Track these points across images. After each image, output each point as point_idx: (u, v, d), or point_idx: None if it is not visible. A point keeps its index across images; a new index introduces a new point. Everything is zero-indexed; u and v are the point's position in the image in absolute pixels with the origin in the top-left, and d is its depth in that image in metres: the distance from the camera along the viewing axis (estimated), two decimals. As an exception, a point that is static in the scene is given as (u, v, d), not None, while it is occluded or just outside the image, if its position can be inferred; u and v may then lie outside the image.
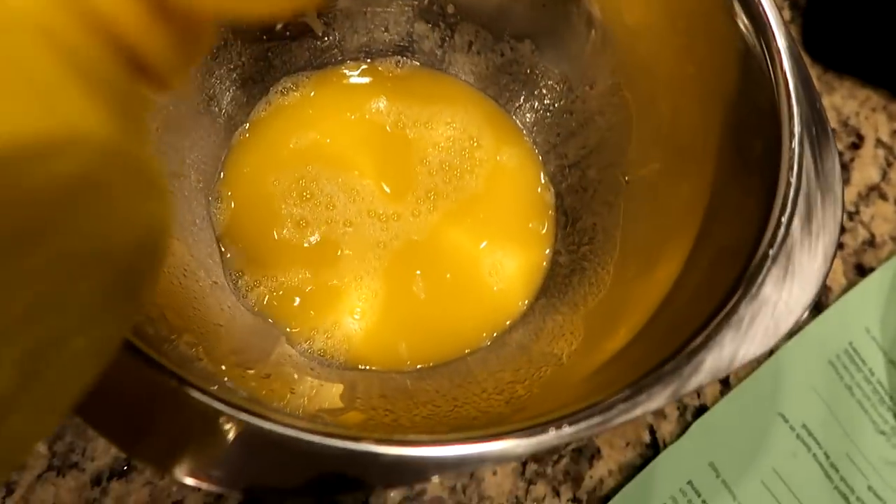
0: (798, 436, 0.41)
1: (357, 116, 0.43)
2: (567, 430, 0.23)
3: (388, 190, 0.41)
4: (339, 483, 0.21)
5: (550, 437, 0.23)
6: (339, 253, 0.39)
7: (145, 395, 0.22)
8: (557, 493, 0.38)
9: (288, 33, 0.42)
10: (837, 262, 0.46)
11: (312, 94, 0.43)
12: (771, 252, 0.26)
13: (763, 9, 0.30)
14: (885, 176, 0.49)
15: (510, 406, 0.32)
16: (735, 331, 0.25)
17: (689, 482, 0.39)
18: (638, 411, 0.23)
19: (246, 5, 0.17)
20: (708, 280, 0.28)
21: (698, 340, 0.25)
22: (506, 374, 0.35)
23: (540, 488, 0.38)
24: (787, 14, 0.52)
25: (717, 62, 0.32)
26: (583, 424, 0.23)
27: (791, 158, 0.28)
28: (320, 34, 0.43)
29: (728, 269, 0.27)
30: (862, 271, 0.46)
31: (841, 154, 0.48)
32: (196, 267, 0.36)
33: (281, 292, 0.38)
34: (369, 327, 0.38)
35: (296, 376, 0.34)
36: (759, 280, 0.26)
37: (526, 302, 0.40)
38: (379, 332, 0.38)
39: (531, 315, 0.39)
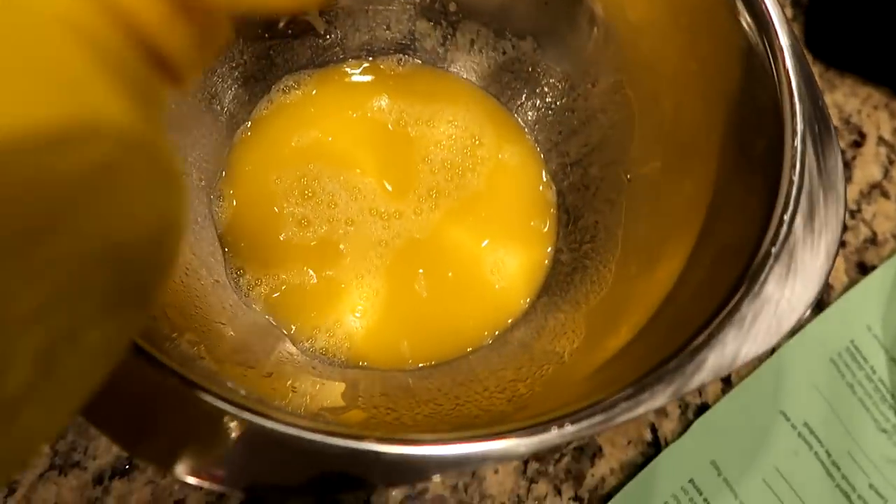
0: (800, 434, 0.41)
1: (359, 115, 0.43)
2: (569, 428, 0.23)
3: (389, 188, 0.41)
4: (341, 482, 0.21)
5: (553, 435, 0.23)
6: (340, 251, 0.39)
7: (147, 393, 0.22)
8: (559, 492, 0.38)
9: (290, 31, 0.42)
10: (839, 260, 0.46)
11: (314, 92, 0.43)
12: (773, 250, 0.26)
13: (765, 6, 0.30)
14: (886, 174, 0.49)
15: (512, 404, 0.31)
16: (737, 329, 0.25)
17: (691, 480, 0.39)
18: (640, 410, 0.23)
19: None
20: (710, 278, 0.28)
21: (700, 339, 0.25)
22: (507, 372, 0.35)
23: (541, 487, 0.38)
24: (789, 12, 0.52)
25: (720, 60, 0.32)
26: (585, 423, 0.23)
27: (793, 156, 0.28)
28: (322, 32, 0.43)
29: (730, 268, 0.27)
30: (864, 269, 0.46)
31: (843, 152, 0.48)
32: (198, 265, 0.36)
33: (282, 291, 0.38)
34: (371, 326, 0.38)
35: (297, 375, 0.34)
36: (762, 278, 0.26)
37: (528, 300, 0.40)
38: (381, 330, 0.38)
39: (533, 313, 0.39)
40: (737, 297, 0.26)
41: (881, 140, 0.49)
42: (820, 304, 0.44)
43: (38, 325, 0.13)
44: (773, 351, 0.42)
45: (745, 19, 0.31)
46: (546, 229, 0.42)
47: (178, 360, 0.23)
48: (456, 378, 0.36)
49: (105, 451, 0.36)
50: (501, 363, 0.36)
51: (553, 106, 0.43)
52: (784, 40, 0.30)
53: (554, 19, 0.40)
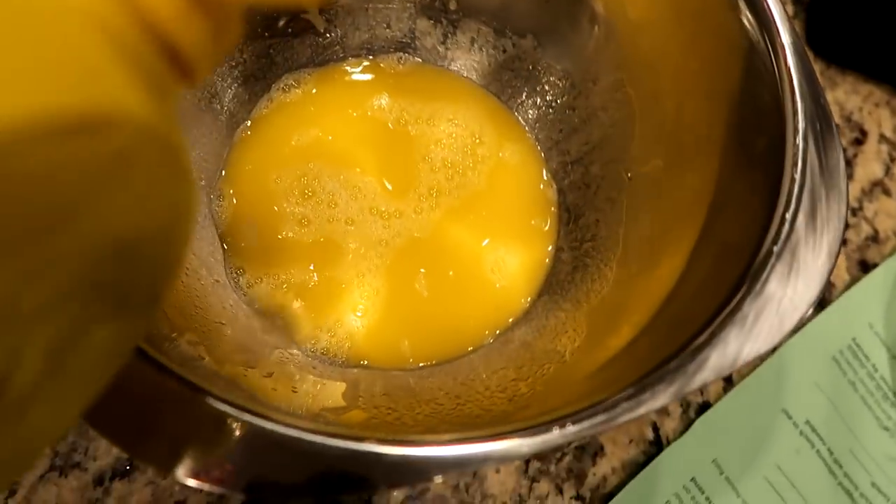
0: (801, 432, 0.41)
1: (359, 113, 0.43)
2: (571, 428, 0.23)
3: (389, 187, 0.41)
4: (342, 483, 0.21)
5: (554, 436, 0.22)
6: (341, 251, 0.39)
7: (147, 395, 0.22)
8: (561, 491, 0.38)
9: (290, 30, 0.42)
10: (840, 257, 0.46)
11: (314, 91, 0.43)
12: (775, 249, 0.26)
13: (767, 4, 0.30)
14: (888, 171, 0.49)
15: (513, 404, 0.31)
16: (739, 328, 0.25)
17: (693, 479, 0.39)
18: (642, 410, 0.23)
19: None
20: (712, 277, 0.28)
21: (702, 338, 0.25)
22: (509, 371, 0.35)
23: (543, 486, 0.38)
24: (790, 9, 0.52)
25: (721, 58, 0.32)
26: (586, 423, 0.23)
27: (795, 154, 0.28)
28: (322, 31, 0.43)
29: (732, 266, 0.27)
30: (865, 267, 0.46)
31: (844, 150, 0.48)
32: (198, 265, 0.35)
33: (283, 290, 0.38)
34: (371, 325, 0.38)
35: (298, 375, 0.34)
36: (764, 277, 0.26)
37: (528, 299, 0.40)
38: (381, 329, 0.38)
39: (534, 312, 0.39)
40: (739, 296, 0.26)
41: (882, 137, 0.49)
42: (821, 303, 0.44)
43: (48, 322, 0.13)
44: (774, 349, 0.42)
45: (747, 17, 0.31)
46: (547, 228, 0.41)
47: (177, 361, 0.23)
48: (457, 377, 0.36)
49: (105, 452, 0.36)
50: (502, 362, 0.36)
51: (554, 104, 0.43)
52: (785, 38, 0.30)
53: (554, 17, 0.40)
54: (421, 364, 0.38)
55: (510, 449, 0.22)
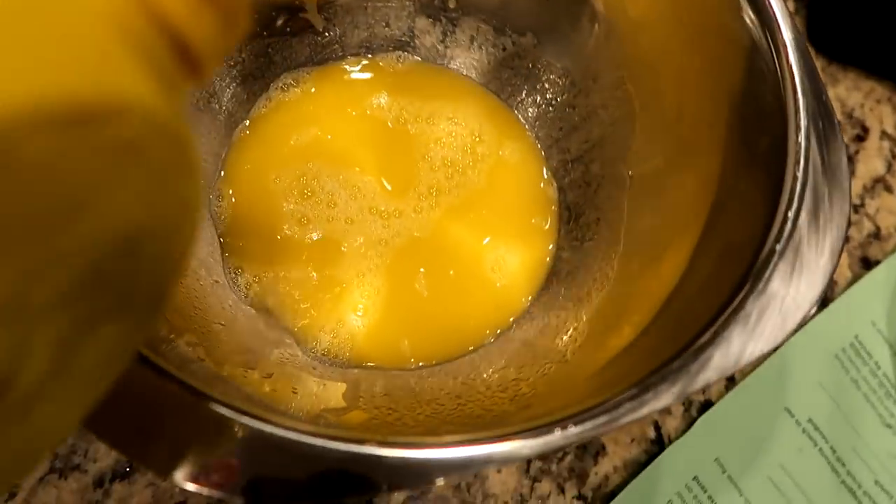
0: (804, 430, 0.40)
1: (358, 112, 0.42)
2: (573, 430, 0.22)
3: (389, 186, 0.40)
4: (343, 486, 0.21)
5: (556, 437, 0.22)
6: (341, 250, 0.39)
7: (146, 398, 0.22)
8: (562, 490, 0.38)
9: (288, 29, 0.41)
10: (842, 255, 0.45)
11: (313, 90, 0.43)
12: (778, 247, 0.26)
13: (768, 1, 0.30)
14: (890, 168, 0.48)
15: (515, 404, 0.31)
16: (742, 327, 0.25)
17: (695, 478, 0.39)
18: (645, 410, 0.23)
19: None
20: (714, 276, 0.28)
21: (705, 337, 0.25)
22: (510, 371, 0.35)
23: (545, 485, 0.38)
24: (791, 5, 0.52)
25: (722, 55, 0.32)
26: (589, 424, 0.23)
27: (797, 153, 0.28)
28: (321, 29, 0.42)
29: (735, 265, 0.27)
30: (867, 264, 0.45)
31: (846, 146, 0.48)
32: (197, 265, 0.35)
33: (282, 290, 0.38)
34: (372, 325, 0.38)
35: (298, 375, 0.34)
36: (767, 275, 0.26)
37: (529, 298, 0.39)
38: (382, 329, 0.38)
39: (535, 311, 0.39)
40: (742, 295, 0.25)
41: (884, 134, 0.49)
42: (823, 300, 0.44)
43: (54, 320, 0.13)
44: (776, 348, 0.42)
45: (748, 14, 0.30)
46: (547, 227, 0.41)
47: (176, 363, 0.23)
48: (458, 377, 0.36)
49: (105, 453, 0.36)
50: (503, 362, 0.36)
51: (554, 102, 0.42)
52: (787, 35, 0.30)
53: (554, 15, 0.40)
54: (421, 364, 0.37)
55: (512, 450, 0.22)
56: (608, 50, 0.38)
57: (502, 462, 0.22)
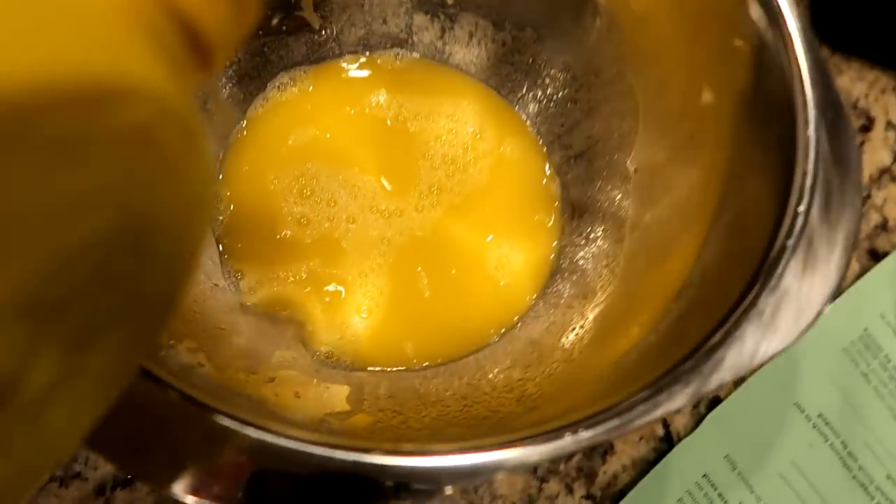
0: (814, 426, 0.40)
1: (357, 111, 0.42)
2: (584, 434, 0.22)
3: (389, 186, 0.40)
4: (348, 496, 0.21)
5: (567, 442, 0.22)
6: (342, 250, 0.38)
7: (144, 409, 0.21)
8: (571, 490, 0.38)
9: (284, 27, 0.41)
10: (851, 247, 0.45)
11: (310, 88, 0.42)
12: (789, 243, 0.25)
13: (773, -10, 0.29)
14: (896, 158, 0.48)
15: (521, 405, 0.31)
16: (756, 325, 0.24)
17: (705, 475, 0.38)
18: (658, 413, 0.23)
19: None
20: (724, 273, 0.28)
21: (718, 336, 0.24)
22: (515, 371, 0.34)
23: (553, 486, 0.38)
24: (792, -5, 0.51)
25: (727, 47, 0.31)
26: (600, 428, 0.22)
27: (807, 146, 0.27)
28: (317, 27, 0.42)
29: (745, 262, 0.26)
30: (875, 256, 0.45)
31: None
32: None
33: (284, 292, 0.37)
34: (375, 325, 0.37)
35: (300, 379, 0.34)
36: (779, 271, 0.25)
37: (534, 296, 0.39)
38: (385, 330, 0.37)
39: (539, 310, 0.38)
40: (754, 292, 0.25)
41: (889, 124, 0.48)
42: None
43: (64, 321, 0.13)
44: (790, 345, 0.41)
45: (753, 4, 0.30)
46: (551, 224, 0.41)
47: (176, 370, 0.23)
48: (463, 378, 0.35)
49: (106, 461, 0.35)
50: (509, 361, 0.36)
51: (555, 97, 0.42)
52: (793, 25, 0.29)
53: (554, 9, 0.39)
54: (425, 364, 0.37)
55: (522, 457, 0.22)
56: (610, 43, 0.37)
57: (512, 468, 0.22)
